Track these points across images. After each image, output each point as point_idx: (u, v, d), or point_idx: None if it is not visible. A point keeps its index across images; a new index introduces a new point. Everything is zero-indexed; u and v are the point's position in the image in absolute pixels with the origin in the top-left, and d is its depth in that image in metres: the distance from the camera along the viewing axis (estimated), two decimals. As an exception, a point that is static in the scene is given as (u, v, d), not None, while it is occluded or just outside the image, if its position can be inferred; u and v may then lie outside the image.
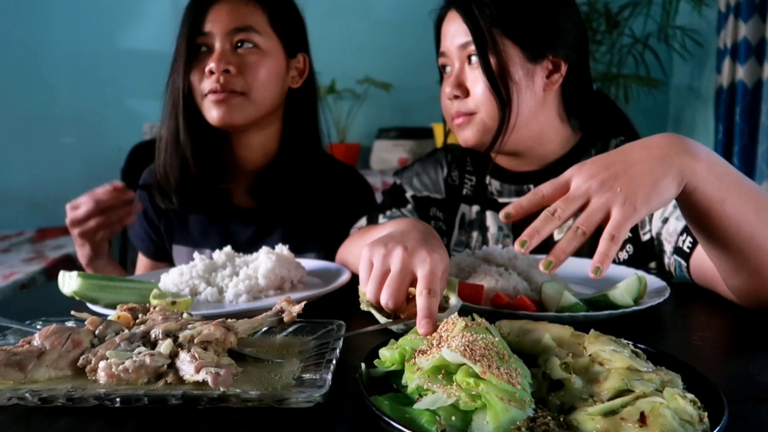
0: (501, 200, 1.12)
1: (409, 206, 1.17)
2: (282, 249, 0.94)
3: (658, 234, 0.97)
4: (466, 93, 1.03)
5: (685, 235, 0.89)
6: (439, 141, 1.28)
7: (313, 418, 0.48)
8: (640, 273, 0.81)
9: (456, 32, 1.02)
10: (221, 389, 0.48)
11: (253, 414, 0.49)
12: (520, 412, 0.41)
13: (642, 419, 0.40)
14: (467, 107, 1.03)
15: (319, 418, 0.48)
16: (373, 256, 0.68)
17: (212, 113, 1.09)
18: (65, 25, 2.94)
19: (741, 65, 2.42)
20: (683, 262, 0.89)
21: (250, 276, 0.86)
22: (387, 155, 2.91)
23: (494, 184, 1.14)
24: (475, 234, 1.14)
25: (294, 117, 1.21)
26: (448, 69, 1.06)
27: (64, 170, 3.03)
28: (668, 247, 0.95)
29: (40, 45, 2.94)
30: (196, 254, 0.93)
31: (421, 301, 0.60)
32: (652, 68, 2.84)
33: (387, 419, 0.41)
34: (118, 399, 0.48)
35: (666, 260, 0.96)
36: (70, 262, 2.26)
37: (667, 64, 2.94)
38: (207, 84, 1.08)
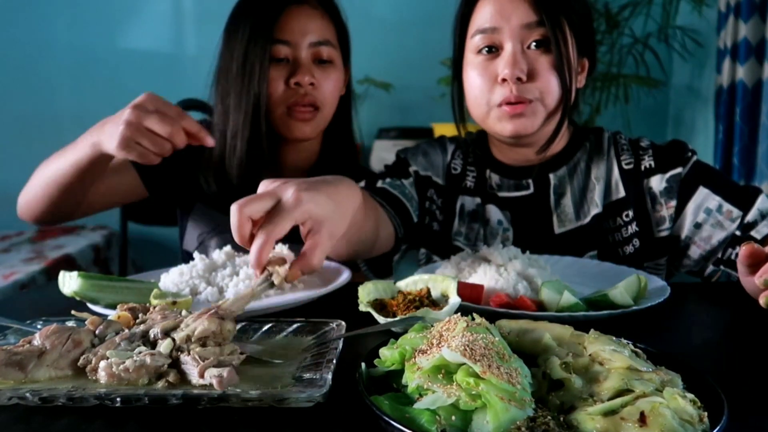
0: (501, 194, 1.13)
1: (411, 179, 1.16)
2: (282, 248, 0.94)
3: (688, 237, 1.01)
4: (531, 77, 0.97)
5: (738, 247, 0.92)
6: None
7: (313, 418, 0.48)
8: (640, 273, 0.82)
9: (515, 10, 0.97)
10: (221, 389, 0.48)
11: (253, 414, 0.49)
12: (520, 411, 0.41)
13: (642, 419, 0.40)
14: (531, 93, 0.98)
15: (319, 418, 0.48)
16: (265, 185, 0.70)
17: (295, 127, 1.09)
18: (66, 25, 2.94)
19: (741, 65, 2.41)
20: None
21: (250, 276, 0.86)
22: (387, 155, 2.90)
23: (494, 178, 1.14)
24: (476, 226, 1.14)
25: (336, 121, 1.22)
26: (482, 46, 1.00)
27: (65, 170, 3.03)
28: (697, 252, 1.00)
29: (40, 45, 2.94)
30: (196, 254, 0.93)
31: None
32: (652, 68, 2.83)
33: (387, 419, 0.41)
34: (118, 399, 0.48)
35: (689, 264, 1.03)
36: (70, 262, 2.26)
37: (667, 64, 2.94)
38: (290, 95, 1.07)
